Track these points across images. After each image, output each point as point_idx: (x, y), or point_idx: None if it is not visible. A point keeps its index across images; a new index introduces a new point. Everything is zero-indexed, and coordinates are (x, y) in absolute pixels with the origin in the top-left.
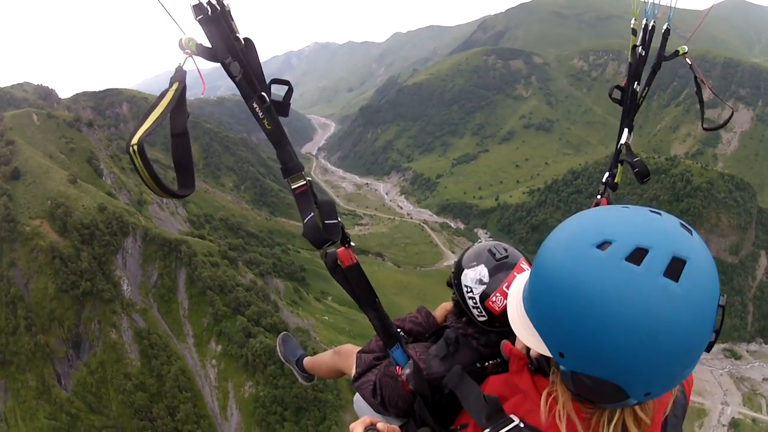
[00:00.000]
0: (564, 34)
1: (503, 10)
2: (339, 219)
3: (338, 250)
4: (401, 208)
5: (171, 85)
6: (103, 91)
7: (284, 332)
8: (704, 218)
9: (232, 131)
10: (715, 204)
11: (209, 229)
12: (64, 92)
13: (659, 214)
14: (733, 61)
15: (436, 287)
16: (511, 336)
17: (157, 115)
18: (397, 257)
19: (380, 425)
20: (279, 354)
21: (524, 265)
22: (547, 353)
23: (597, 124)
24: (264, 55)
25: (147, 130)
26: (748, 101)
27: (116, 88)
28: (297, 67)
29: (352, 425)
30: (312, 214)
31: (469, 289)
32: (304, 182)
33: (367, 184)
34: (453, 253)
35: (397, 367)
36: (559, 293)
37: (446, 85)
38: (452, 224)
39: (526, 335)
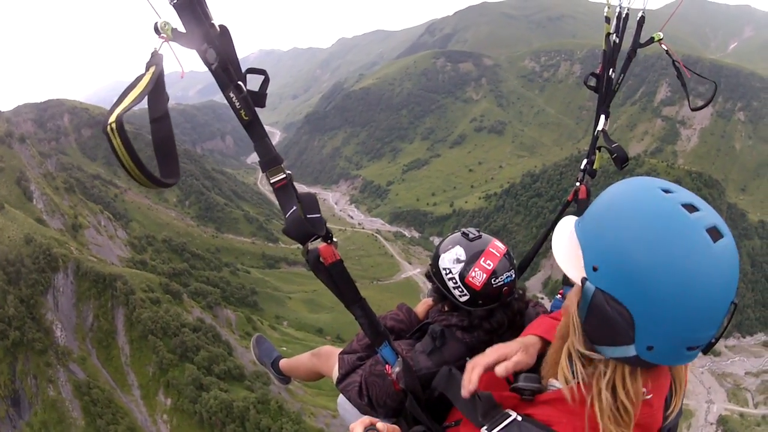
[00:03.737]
0: (514, 35)
1: (451, 13)
2: (321, 213)
3: (320, 246)
4: (352, 218)
5: (147, 69)
6: (45, 102)
7: (258, 334)
8: None
9: (176, 142)
10: None
11: (152, 253)
12: (7, 104)
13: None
14: (692, 58)
15: (395, 302)
16: (496, 313)
17: (136, 95)
18: (352, 271)
19: (380, 425)
20: (254, 356)
21: (498, 243)
22: (580, 274)
23: (551, 125)
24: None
25: (126, 108)
26: (708, 97)
27: (58, 99)
28: None
29: (351, 425)
30: (294, 207)
31: (447, 271)
32: (284, 175)
33: (315, 194)
34: (410, 264)
35: (387, 366)
36: (617, 211)
37: (394, 89)
38: (406, 233)
39: (565, 257)
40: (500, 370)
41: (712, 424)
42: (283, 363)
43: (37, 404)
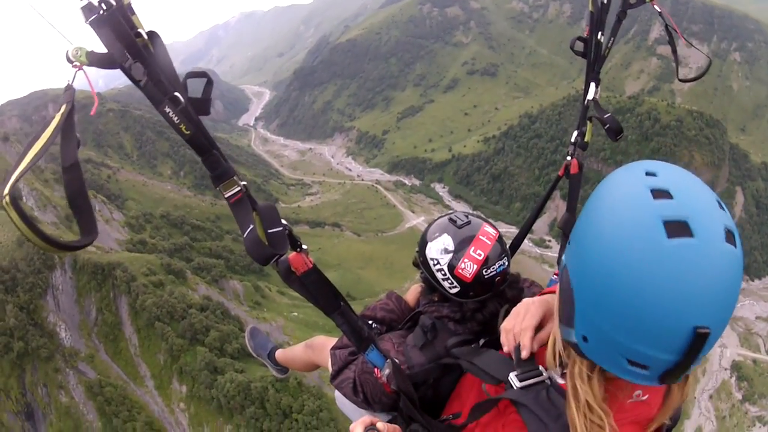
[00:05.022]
0: None
1: None
2: (284, 223)
3: (290, 256)
4: (350, 170)
5: (59, 108)
6: (28, 95)
7: (251, 326)
8: (677, 157)
9: None
10: (687, 142)
11: (151, 231)
12: None
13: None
14: None
15: (402, 253)
16: (489, 304)
17: (37, 150)
18: (355, 225)
19: (380, 425)
20: (249, 349)
21: (488, 228)
22: None
23: (543, 65)
24: (190, 32)
25: (21, 173)
26: (702, 37)
27: (41, 90)
28: (224, 40)
29: (351, 425)
30: (252, 225)
31: (435, 262)
32: (239, 188)
33: (310, 149)
34: (413, 212)
35: (375, 369)
36: (599, 188)
37: (381, 38)
38: (406, 181)
39: None
40: (534, 346)
41: (726, 369)
42: (279, 354)
43: (51, 414)
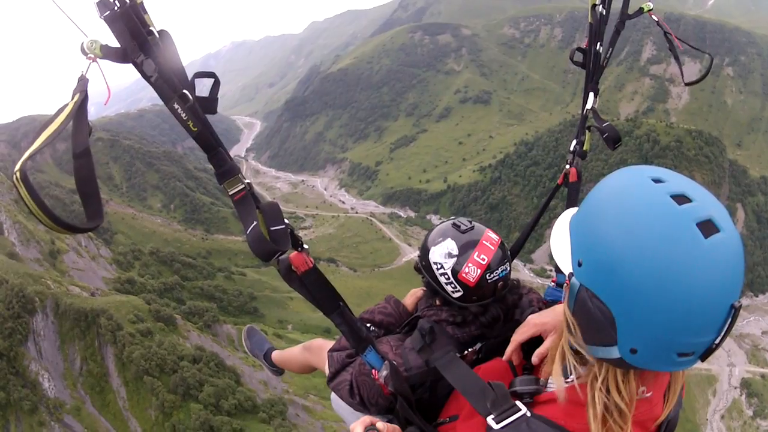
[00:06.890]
0: (489, 3)
1: None
2: (286, 222)
3: (290, 255)
4: (343, 203)
5: (72, 97)
6: (17, 120)
7: (249, 325)
8: None
9: (155, 144)
10: (687, 162)
11: (139, 268)
12: None
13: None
14: (674, 15)
15: (401, 288)
16: (491, 308)
17: (49, 133)
18: (351, 260)
19: (380, 425)
20: (245, 348)
21: (491, 233)
22: (569, 267)
23: (536, 91)
24: (183, 60)
25: (33, 151)
26: (694, 54)
27: (30, 116)
28: (215, 68)
29: (352, 425)
30: (255, 222)
31: (439, 266)
32: (243, 186)
33: (302, 181)
34: (409, 246)
35: (373, 371)
36: (602, 204)
37: (372, 67)
38: (401, 213)
39: (558, 251)
40: (535, 359)
41: (736, 387)
42: (275, 355)
43: None
